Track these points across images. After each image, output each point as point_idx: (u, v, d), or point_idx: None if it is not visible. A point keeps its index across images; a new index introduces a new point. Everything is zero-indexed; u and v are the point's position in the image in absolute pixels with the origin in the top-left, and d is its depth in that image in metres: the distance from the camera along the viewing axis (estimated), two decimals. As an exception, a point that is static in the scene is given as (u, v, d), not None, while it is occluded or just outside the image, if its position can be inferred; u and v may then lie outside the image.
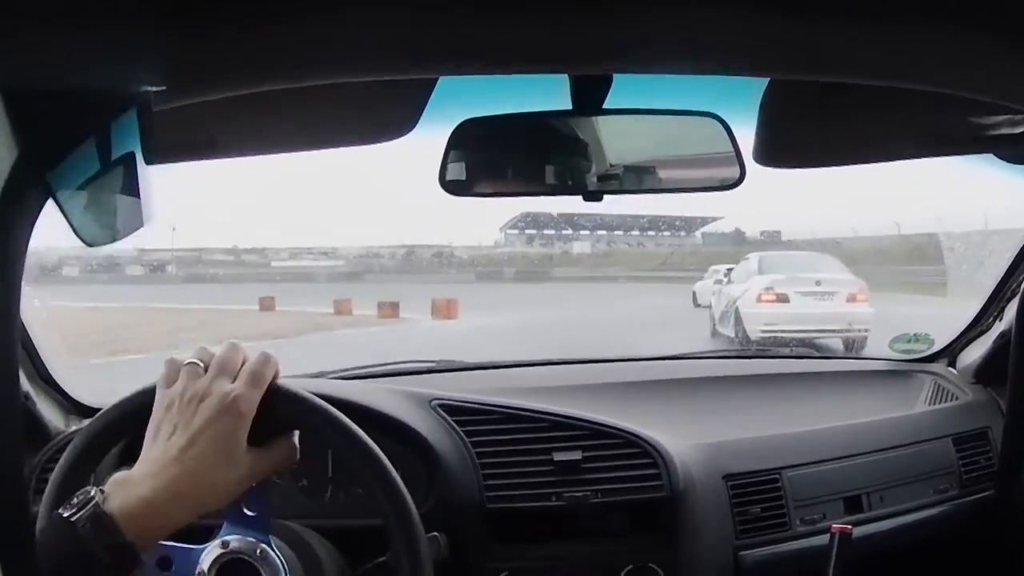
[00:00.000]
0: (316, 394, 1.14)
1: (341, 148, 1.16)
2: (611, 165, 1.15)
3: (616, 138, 1.16)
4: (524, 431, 1.44)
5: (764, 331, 9.93)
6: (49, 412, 1.58)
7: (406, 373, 1.84)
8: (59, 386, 1.64)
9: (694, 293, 16.33)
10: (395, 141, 1.10)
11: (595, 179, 1.14)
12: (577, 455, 1.41)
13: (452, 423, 1.43)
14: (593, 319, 14.55)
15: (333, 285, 19.71)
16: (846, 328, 9.91)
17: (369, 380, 1.73)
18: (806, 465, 1.53)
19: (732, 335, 10.62)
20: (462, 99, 1.12)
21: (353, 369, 1.83)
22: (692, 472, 1.42)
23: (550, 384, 1.74)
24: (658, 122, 1.18)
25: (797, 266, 11.73)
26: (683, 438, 1.49)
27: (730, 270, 13.12)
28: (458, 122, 1.10)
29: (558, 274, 23.94)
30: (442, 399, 1.47)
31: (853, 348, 9.63)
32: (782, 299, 10.55)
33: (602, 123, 1.15)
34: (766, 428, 1.59)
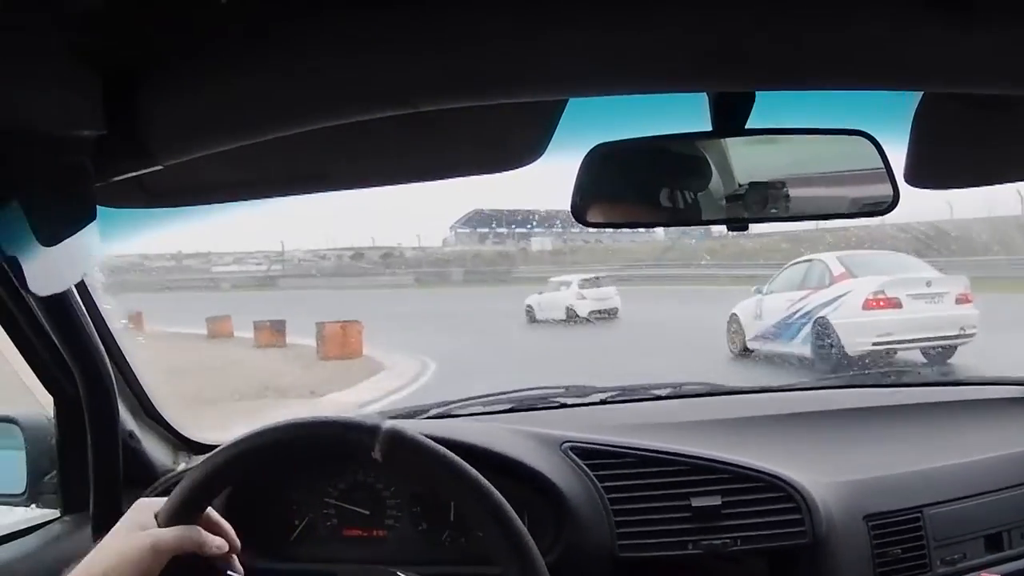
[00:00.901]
0: (432, 436, 1.08)
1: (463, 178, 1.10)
2: (755, 191, 1.06)
3: (759, 161, 1.07)
4: (661, 475, 1.37)
5: (878, 343, 8.69)
6: (156, 450, 1.57)
7: (531, 408, 1.78)
8: (167, 422, 1.63)
9: (528, 306, 13.56)
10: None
11: (740, 206, 1.05)
12: (716, 500, 1.33)
13: (584, 467, 1.37)
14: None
15: (238, 294, 17.16)
16: (958, 333, 8.79)
17: (492, 417, 1.68)
18: (947, 502, 1.43)
19: (811, 354, 9.13)
20: (593, 122, 1.05)
21: (475, 400, 1.77)
22: (833, 515, 1.33)
23: (681, 419, 1.65)
24: (803, 143, 1.09)
25: (893, 266, 10.07)
26: (821, 475, 1.40)
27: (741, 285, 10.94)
28: (589, 146, 1.03)
29: (519, 274, 19.96)
30: (573, 442, 1.40)
31: (953, 354, 8.84)
32: (894, 304, 9.04)
33: (743, 145, 1.07)
34: (905, 463, 1.49)
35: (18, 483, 1.47)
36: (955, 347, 8.78)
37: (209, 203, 1.15)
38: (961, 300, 9.12)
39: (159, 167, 0.87)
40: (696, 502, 1.33)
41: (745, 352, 10.01)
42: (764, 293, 10.38)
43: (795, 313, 9.59)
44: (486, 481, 1.01)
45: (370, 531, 1.40)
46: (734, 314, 10.35)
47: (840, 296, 9.33)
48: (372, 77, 0.78)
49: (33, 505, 1.48)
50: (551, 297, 13.23)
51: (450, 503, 1.33)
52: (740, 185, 1.07)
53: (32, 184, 0.79)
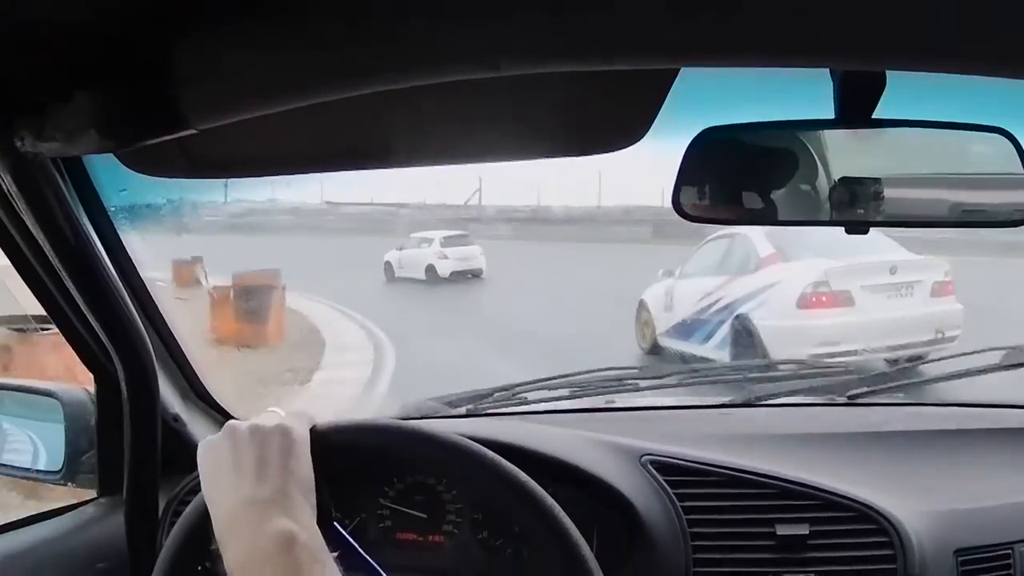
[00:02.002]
0: (495, 441, 1.05)
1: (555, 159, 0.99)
2: (879, 192, 0.94)
3: (886, 157, 0.95)
4: (746, 498, 1.26)
5: (816, 355, 5.73)
6: (203, 432, 1.48)
7: (606, 410, 1.69)
8: (215, 402, 1.55)
9: (387, 263, 11.95)
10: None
11: (864, 206, 0.93)
12: (804, 530, 1.22)
13: (664, 484, 1.26)
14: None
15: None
16: (934, 337, 6.37)
17: (560, 419, 1.58)
18: None
19: (724, 358, 6.71)
20: (702, 104, 0.94)
21: (537, 385, 1.69)
22: (926, 550, 1.22)
23: (765, 431, 1.54)
24: (933, 138, 0.97)
25: (846, 246, 6.51)
26: (912, 504, 1.29)
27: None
28: (697, 131, 0.92)
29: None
30: (655, 455, 1.30)
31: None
32: (841, 300, 6.57)
33: (867, 138, 0.95)
34: (997, 494, 1.36)
35: (56, 460, 1.41)
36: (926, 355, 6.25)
37: (255, 175, 1.08)
38: (939, 291, 6.78)
39: (194, 131, 0.79)
40: (781, 530, 1.22)
41: (656, 350, 7.63)
42: (676, 276, 7.87)
43: (709, 307, 7.19)
44: (527, 477, 0.94)
45: (426, 536, 1.30)
46: (643, 301, 8.00)
47: (766, 288, 6.80)
48: (448, 33, 0.68)
49: (70, 484, 1.42)
50: (412, 254, 11.99)
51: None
52: (861, 186, 0.95)
53: None
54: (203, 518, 0.91)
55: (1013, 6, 0.61)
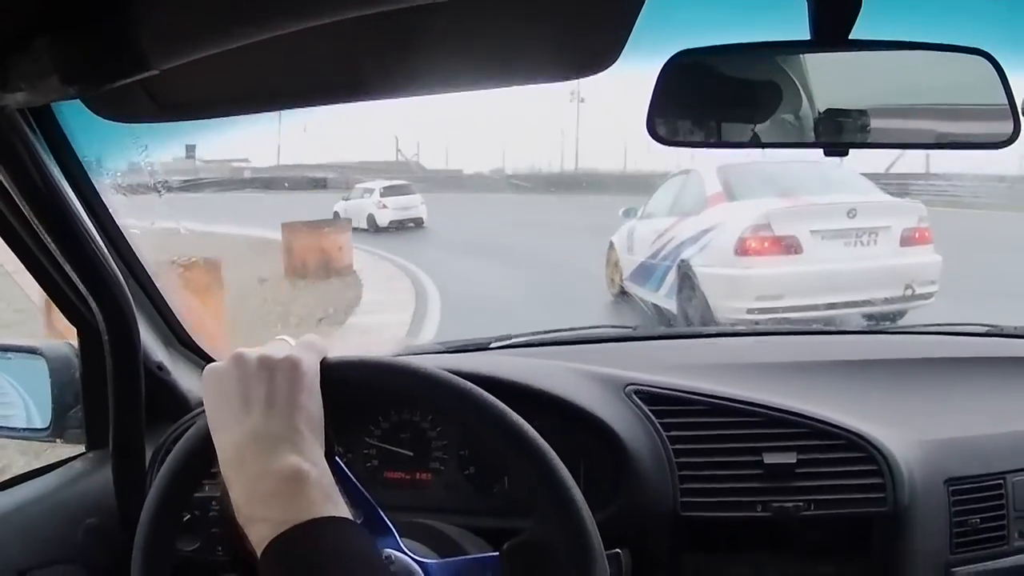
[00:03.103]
0: (474, 373, 1.03)
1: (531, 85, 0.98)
2: (856, 112, 0.93)
3: (861, 78, 0.94)
4: (732, 426, 1.26)
5: (755, 309, 5.58)
6: (188, 380, 1.48)
7: (591, 341, 1.66)
8: (201, 350, 1.54)
9: (335, 213, 12.21)
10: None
11: (836, 128, 0.92)
12: (791, 458, 1.22)
13: (649, 414, 1.26)
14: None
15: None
16: (903, 294, 5.63)
17: (544, 351, 1.57)
18: None
19: (674, 309, 6.20)
20: (674, 24, 0.92)
21: (523, 336, 1.66)
22: (916, 479, 1.23)
23: (753, 360, 1.53)
24: (911, 60, 0.96)
25: (806, 183, 6.16)
26: (903, 433, 1.29)
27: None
28: (670, 54, 0.91)
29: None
30: (639, 384, 1.29)
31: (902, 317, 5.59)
32: (787, 247, 5.73)
33: (842, 59, 0.94)
34: (990, 424, 1.37)
35: (44, 418, 1.40)
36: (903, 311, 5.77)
37: (224, 115, 1.05)
38: (910, 239, 5.91)
39: (156, 71, 0.77)
40: (769, 458, 1.22)
41: (623, 295, 7.23)
42: (638, 217, 7.34)
43: (660, 250, 6.57)
44: (522, 420, 0.92)
45: (413, 474, 1.30)
46: (611, 242, 7.51)
47: (706, 231, 6.11)
48: None
49: (58, 440, 1.41)
50: (356, 204, 12.37)
51: None
52: (837, 106, 0.94)
53: None
54: (201, 446, 0.89)
55: None
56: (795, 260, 5.75)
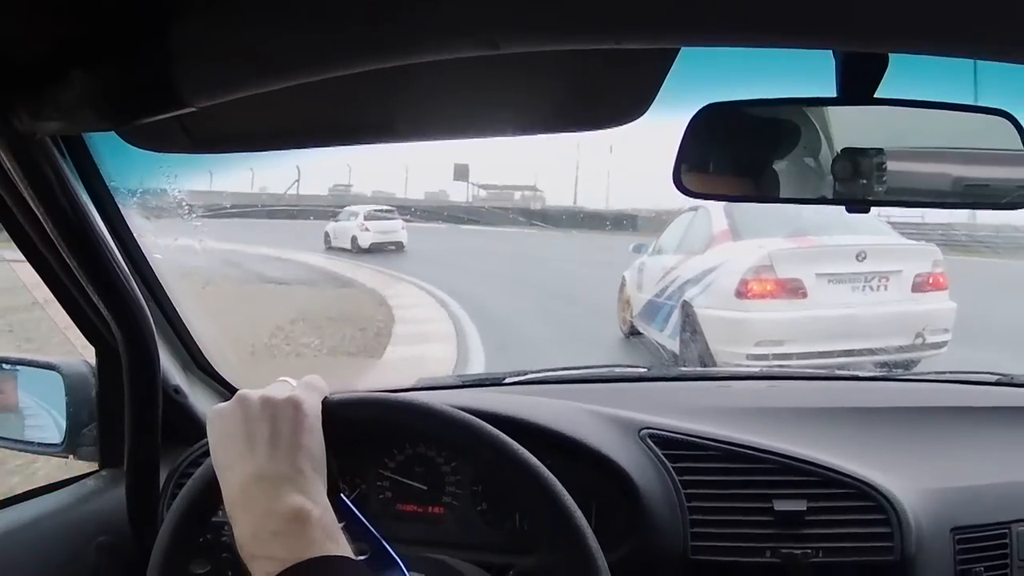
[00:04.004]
0: (487, 411, 1.07)
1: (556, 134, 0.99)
2: (880, 170, 0.94)
3: (887, 136, 0.95)
4: (745, 472, 1.27)
5: (756, 356, 5.21)
6: (204, 404, 1.49)
7: (606, 380, 1.68)
8: (217, 373, 1.56)
9: (326, 233, 13.23)
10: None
11: (866, 185, 0.93)
12: (801, 505, 1.23)
13: (663, 458, 1.27)
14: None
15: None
16: (913, 342, 5.25)
17: (557, 390, 1.58)
18: None
19: (677, 350, 5.88)
20: (704, 80, 0.94)
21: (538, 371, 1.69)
22: (923, 528, 1.23)
23: (765, 405, 1.54)
24: (935, 119, 0.96)
25: (811, 223, 5.63)
26: (910, 481, 1.30)
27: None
28: (698, 107, 0.92)
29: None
30: (654, 429, 1.30)
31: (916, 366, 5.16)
32: (791, 290, 5.36)
33: (868, 118, 0.95)
34: (994, 473, 1.37)
35: (57, 433, 1.41)
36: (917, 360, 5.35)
37: (256, 150, 1.07)
38: (923, 285, 5.50)
39: (193, 109, 0.78)
40: (779, 505, 1.23)
41: (634, 332, 6.86)
42: (648, 254, 7.04)
43: (664, 290, 6.29)
44: (532, 457, 0.94)
45: (426, 508, 1.31)
46: (623, 278, 7.24)
47: (709, 271, 5.78)
48: (445, 10, 0.67)
49: (71, 456, 1.42)
50: (342, 226, 13.16)
51: None
52: (862, 164, 0.95)
53: None
54: (210, 486, 0.91)
55: None
56: (799, 304, 5.41)
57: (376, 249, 12.46)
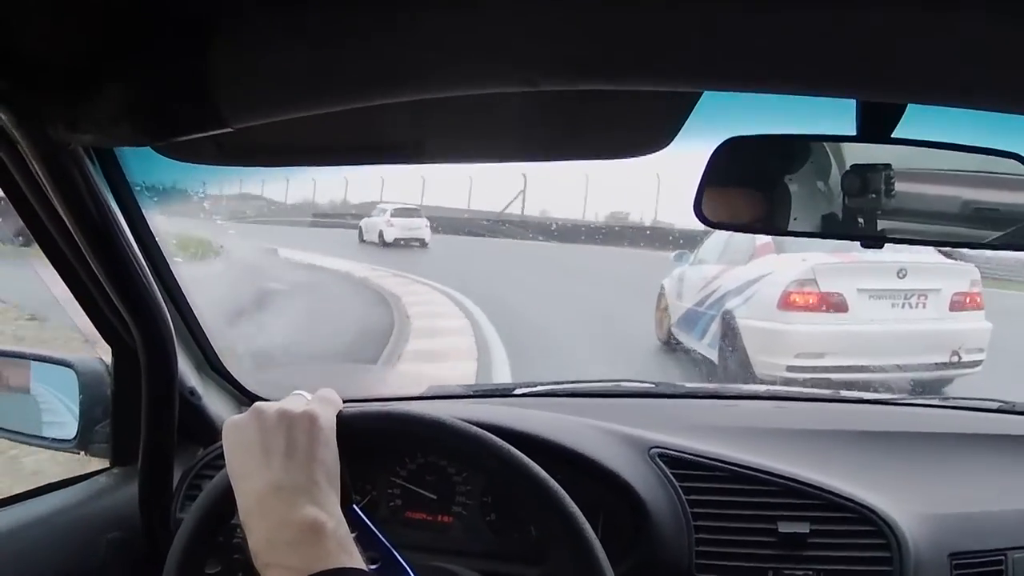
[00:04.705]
0: (498, 425, 1.11)
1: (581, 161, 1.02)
2: (894, 206, 0.96)
3: (902, 174, 0.97)
4: (750, 494, 1.29)
5: (796, 367, 5.29)
6: (218, 406, 1.52)
7: (615, 395, 1.71)
8: (231, 376, 1.58)
9: (360, 228, 14.32)
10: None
11: (879, 221, 0.95)
12: (804, 528, 1.25)
13: (671, 476, 1.29)
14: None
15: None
16: (948, 360, 5.32)
17: (569, 405, 1.60)
18: None
19: (716, 359, 5.95)
20: (728, 114, 0.96)
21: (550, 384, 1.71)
22: (922, 553, 1.25)
23: (773, 425, 1.57)
24: (950, 160, 0.99)
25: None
26: (910, 506, 1.32)
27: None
28: (720, 139, 0.94)
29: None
30: (663, 448, 1.33)
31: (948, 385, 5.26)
32: (832, 304, 5.46)
33: (885, 155, 0.97)
34: (992, 500, 1.39)
35: (70, 429, 1.43)
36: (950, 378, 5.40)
37: (285, 165, 1.09)
38: (960, 304, 5.56)
39: (230, 129, 0.80)
40: (783, 527, 1.25)
41: (672, 342, 6.90)
42: (690, 263, 7.07)
43: (706, 299, 6.36)
44: (542, 471, 0.97)
45: (435, 516, 1.33)
46: (662, 286, 7.28)
47: (752, 281, 5.84)
48: (489, 50, 0.70)
49: (83, 453, 1.44)
50: (373, 221, 14.17)
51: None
52: (879, 200, 0.97)
53: None
54: (225, 495, 0.93)
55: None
56: (839, 318, 5.46)
57: (401, 244, 13.33)
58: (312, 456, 0.88)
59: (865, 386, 4.54)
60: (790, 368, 5.31)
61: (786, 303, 5.53)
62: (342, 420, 0.94)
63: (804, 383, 4.90)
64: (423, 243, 13.64)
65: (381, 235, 13.70)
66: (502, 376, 6.00)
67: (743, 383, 5.37)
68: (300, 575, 0.78)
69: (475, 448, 0.98)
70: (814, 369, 5.28)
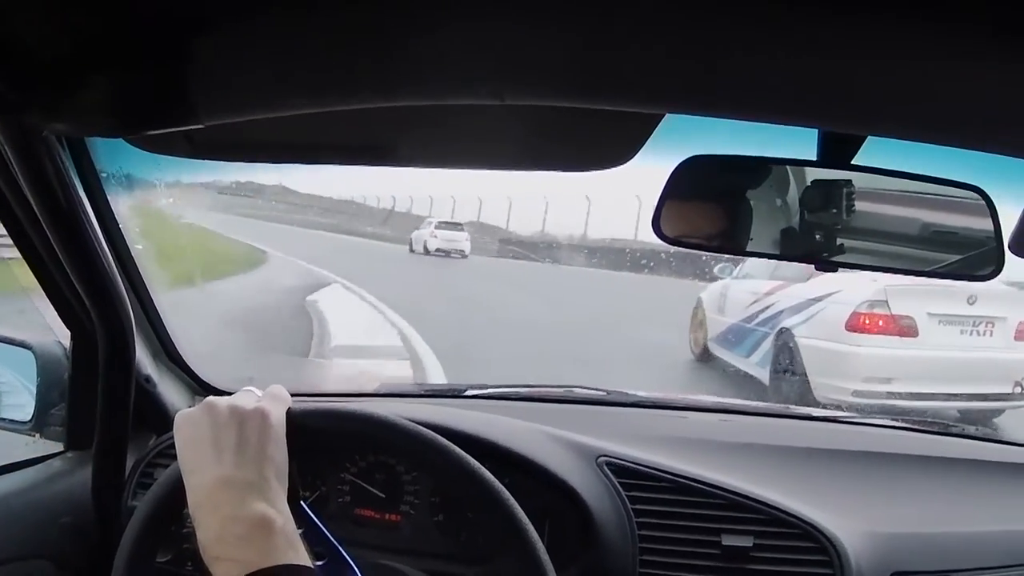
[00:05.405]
0: (450, 428, 1.12)
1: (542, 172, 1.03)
2: (849, 231, 0.97)
3: (861, 201, 0.98)
4: (695, 506, 1.30)
5: (862, 392, 5.03)
6: (172, 394, 1.52)
7: (566, 401, 1.73)
8: (187, 365, 1.58)
9: (410, 239, 15.52)
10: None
11: (831, 246, 0.97)
12: (748, 542, 1.26)
13: (618, 486, 1.30)
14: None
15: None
16: (1012, 391, 5.10)
17: (518, 406, 1.62)
18: (979, 570, 1.33)
19: (764, 379, 5.68)
20: (689, 132, 0.96)
21: (498, 387, 1.73)
22: (864, 570, 1.26)
23: (721, 438, 1.57)
24: (910, 188, 1.00)
25: None
26: (855, 523, 1.33)
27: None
28: (682, 156, 0.95)
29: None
30: (611, 457, 1.34)
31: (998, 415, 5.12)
32: (902, 328, 5.20)
33: (844, 182, 0.98)
34: (941, 522, 1.41)
35: (26, 411, 1.42)
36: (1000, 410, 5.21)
37: (253, 161, 1.10)
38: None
39: (201, 126, 0.81)
40: (727, 540, 1.26)
41: (706, 355, 6.68)
42: (734, 276, 6.85)
43: (755, 316, 6.10)
44: (497, 482, 0.98)
45: (383, 515, 1.34)
46: (699, 299, 7.08)
47: (816, 300, 5.58)
48: (457, 63, 0.71)
49: (37, 436, 1.43)
50: (421, 233, 15.56)
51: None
52: (835, 225, 0.98)
53: None
54: (177, 487, 0.93)
55: (990, 89, 0.64)
56: (908, 343, 5.21)
57: (441, 254, 14.83)
58: (263, 453, 0.89)
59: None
60: (856, 393, 5.07)
61: (855, 325, 5.27)
62: (291, 417, 0.95)
63: (868, 409, 4.68)
64: (463, 254, 15.07)
65: (424, 245, 14.99)
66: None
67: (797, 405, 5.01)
68: (248, 569, 0.79)
69: (422, 449, 0.99)
70: (880, 394, 5.08)
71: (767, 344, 5.78)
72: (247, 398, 0.94)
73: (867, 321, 5.26)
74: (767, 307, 6.04)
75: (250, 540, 0.82)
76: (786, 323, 5.67)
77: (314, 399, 1.11)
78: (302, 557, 0.84)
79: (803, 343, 5.46)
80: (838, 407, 4.41)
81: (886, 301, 5.25)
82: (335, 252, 14.09)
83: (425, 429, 1.00)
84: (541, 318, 8.97)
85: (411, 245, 15.53)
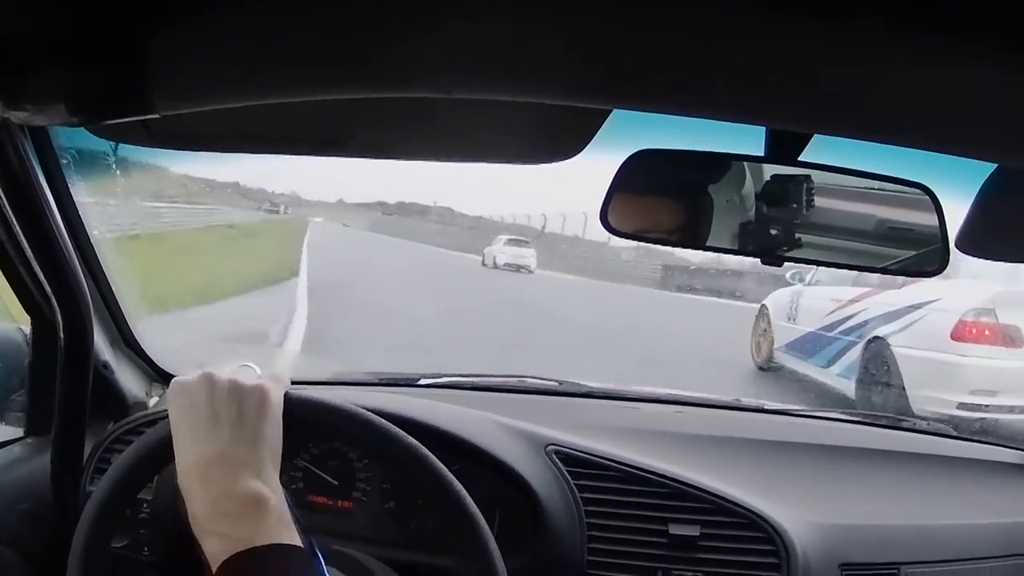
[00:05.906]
0: (403, 416, 1.13)
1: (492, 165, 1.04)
2: (799, 227, 0.98)
3: (809, 197, 0.99)
4: (643, 495, 1.32)
5: (968, 405, 4.72)
6: (129, 381, 1.53)
7: (518, 391, 1.74)
8: (143, 351, 1.58)
9: (484, 254, 16.86)
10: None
11: (780, 240, 0.98)
12: (695, 531, 1.28)
13: (567, 474, 1.32)
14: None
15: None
16: None
17: (471, 395, 1.64)
18: (928, 563, 1.36)
19: (851, 392, 5.36)
20: (638, 127, 0.97)
21: (452, 376, 1.74)
22: (810, 561, 1.28)
23: (673, 429, 1.59)
24: (857, 185, 1.01)
25: None
26: (803, 514, 1.35)
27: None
28: (631, 150, 0.96)
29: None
30: (559, 446, 1.35)
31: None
32: (1008, 338, 4.89)
33: (792, 178, 0.99)
34: (891, 515, 1.43)
35: (-17, 397, 1.42)
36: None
37: (214, 151, 1.09)
38: None
39: (157, 116, 0.81)
40: (674, 529, 1.28)
41: (770, 365, 6.42)
42: (806, 283, 6.48)
43: (838, 324, 5.77)
44: (447, 470, 0.99)
45: (336, 501, 1.35)
46: (763, 306, 6.80)
47: (914, 308, 5.21)
48: (405, 57, 0.71)
49: (-1, 421, 1.44)
50: (490, 249, 17.02)
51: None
52: (782, 219, 0.99)
53: None
54: (131, 472, 0.95)
55: (933, 90, 0.65)
56: (1015, 354, 4.88)
57: (508, 268, 16.17)
58: (260, 432, 0.89)
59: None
60: (961, 406, 4.79)
61: (962, 334, 4.95)
62: (289, 401, 0.95)
63: (971, 423, 4.47)
64: (529, 270, 16.42)
65: (494, 259, 16.50)
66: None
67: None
68: (240, 546, 0.79)
69: (373, 436, 1.00)
70: (985, 408, 4.78)
71: (853, 354, 5.48)
72: (248, 374, 0.94)
73: (974, 330, 4.96)
74: (853, 315, 5.73)
75: (243, 517, 0.82)
76: (879, 331, 5.37)
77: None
78: (295, 538, 0.84)
79: (900, 352, 5.15)
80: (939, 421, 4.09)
81: (993, 310, 4.99)
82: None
83: (376, 416, 1.01)
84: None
85: (484, 259, 16.91)
